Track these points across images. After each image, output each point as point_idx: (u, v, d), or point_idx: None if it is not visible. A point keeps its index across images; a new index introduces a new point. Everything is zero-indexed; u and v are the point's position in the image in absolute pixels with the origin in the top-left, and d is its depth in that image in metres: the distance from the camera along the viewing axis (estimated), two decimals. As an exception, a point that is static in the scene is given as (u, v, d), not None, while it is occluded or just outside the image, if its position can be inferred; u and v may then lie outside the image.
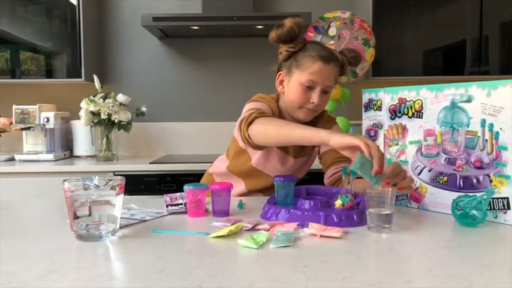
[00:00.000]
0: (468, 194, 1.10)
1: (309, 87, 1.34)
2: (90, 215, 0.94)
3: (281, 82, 1.41)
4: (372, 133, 1.36)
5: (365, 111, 1.38)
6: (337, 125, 1.50)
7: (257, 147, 1.29)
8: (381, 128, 1.33)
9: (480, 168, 1.12)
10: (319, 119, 1.47)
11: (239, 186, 1.49)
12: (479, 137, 1.12)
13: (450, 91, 1.17)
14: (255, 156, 1.43)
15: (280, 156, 1.43)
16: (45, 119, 2.62)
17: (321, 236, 0.96)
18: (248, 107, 1.37)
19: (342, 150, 1.07)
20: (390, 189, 1.02)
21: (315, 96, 1.34)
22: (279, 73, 1.42)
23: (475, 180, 1.13)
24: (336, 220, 1.05)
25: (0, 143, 2.73)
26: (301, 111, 1.38)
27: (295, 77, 1.35)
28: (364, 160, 1.04)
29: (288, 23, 1.31)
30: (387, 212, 1.00)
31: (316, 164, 1.55)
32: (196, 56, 2.97)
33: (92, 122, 2.51)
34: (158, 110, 2.94)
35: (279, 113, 1.41)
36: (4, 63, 2.62)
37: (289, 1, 2.93)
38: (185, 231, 1.03)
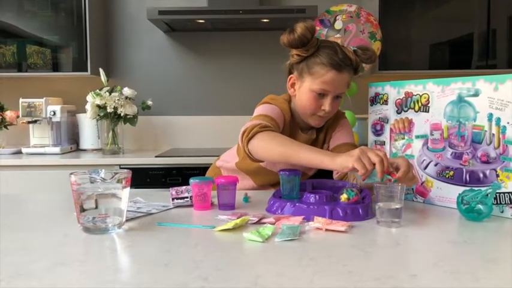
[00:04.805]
0: (473, 188, 1.10)
1: (321, 95, 1.31)
2: (96, 208, 0.95)
3: (292, 85, 1.38)
4: (378, 127, 1.36)
5: (371, 105, 1.37)
6: (346, 120, 1.48)
7: (257, 160, 1.27)
8: (387, 122, 1.33)
9: (487, 162, 1.11)
10: None
11: (248, 182, 1.49)
12: (486, 131, 1.11)
13: (457, 85, 1.17)
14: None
15: None
16: (52, 113, 2.63)
17: (326, 229, 0.96)
18: (258, 111, 1.34)
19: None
20: (399, 184, 1.02)
21: (326, 104, 1.30)
22: (290, 76, 1.38)
23: (481, 175, 1.12)
24: (341, 214, 1.05)
25: (7, 136, 2.74)
26: (313, 118, 1.35)
27: (307, 83, 1.31)
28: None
29: (299, 29, 1.26)
30: (397, 207, 1.00)
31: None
32: (201, 50, 2.97)
33: (98, 115, 2.52)
34: (164, 104, 2.95)
35: (290, 115, 1.38)
36: (11, 57, 2.63)
37: (295, -6, 2.92)
38: (191, 224, 1.03)
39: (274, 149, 1.18)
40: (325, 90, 1.30)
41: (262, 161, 1.32)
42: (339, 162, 1.05)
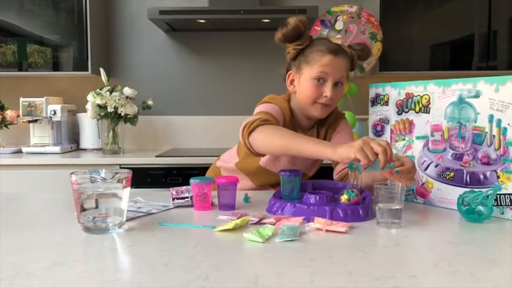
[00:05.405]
0: (474, 189, 1.10)
1: (321, 81, 1.31)
2: (97, 207, 0.95)
3: (292, 82, 1.39)
4: (379, 128, 1.36)
5: (372, 106, 1.37)
6: (345, 121, 1.48)
7: (258, 154, 1.28)
8: (388, 123, 1.33)
9: (487, 164, 1.11)
10: (329, 114, 1.45)
11: (247, 182, 1.49)
12: (486, 132, 1.11)
13: (458, 86, 1.17)
14: (264, 156, 1.41)
15: (290, 157, 1.42)
16: (52, 112, 2.63)
17: (327, 230, 0.96)
18: (258, 110, 1.35)
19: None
20: (400, 184, 1.03)
21: (327, 90, 1.31)
22: (289, 73, 1.39)
23: (482, 176, 1.12)
24: (341, 215, 1.05)
25: (7, 136, 2.74)
26: (315, 107, 1.35)
27: (306, 73, 1.33)
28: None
29: (292, 21, 1.29)
30: (397, 207, 1.00)
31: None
32: (202, 50, 2.97)
33: (99, 115, 2.52)
34: (164, 104, 2.95)
35: (290, 114, 1.39)
36: (11, 56, 2.63)
37: (296, -5, 2.92)
38: (191, 224, 1.03)
39: (275, 141, 1.19)
40: (324, 74, 1.30)
41: (263, 155, 1.32)
42: (340, 153, 1.05)
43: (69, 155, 2.54)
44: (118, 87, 2.57)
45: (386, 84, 1.33)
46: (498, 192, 1.08)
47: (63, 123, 2.69)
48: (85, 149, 2.80)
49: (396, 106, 1.30)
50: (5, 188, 2.32)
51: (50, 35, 2.63)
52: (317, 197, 1.13)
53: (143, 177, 2.37)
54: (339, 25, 2.43)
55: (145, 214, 1.12)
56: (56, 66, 2.65)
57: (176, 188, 1.22)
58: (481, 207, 1.05)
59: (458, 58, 2.66)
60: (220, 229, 0.96)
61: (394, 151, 1.30)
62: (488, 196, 1.05)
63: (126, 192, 0.97)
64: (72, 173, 0.96)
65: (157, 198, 1.29)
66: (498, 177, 1.09)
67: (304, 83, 1.34)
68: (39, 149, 2.59)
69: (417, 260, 0.82)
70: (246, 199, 1.27)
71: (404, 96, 1.28)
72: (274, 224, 1.00)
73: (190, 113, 2.98)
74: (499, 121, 1.09)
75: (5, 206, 1.23)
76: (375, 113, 1.36)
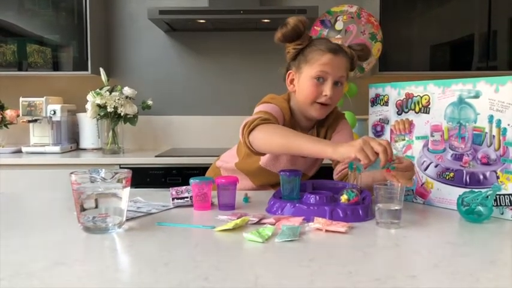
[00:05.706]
0: (473, 190, 1.10)
1: (320, 80, 1.31)
2: (96, 207, 0.95)
3: (291, 81, 1.39)
4: (379, 128, 1.36)
5: (372, 106, 1.37)
6: (345, 121, 1.48)
7: (258, 153, 1.28)
8: (388, 123, 1.33)
9: (487, 164, 1.11)
10: (329, 114, 1.45)
11: (247, 182, 1.49)
12: (486, 133, 1.11)
13: (458, 87, 1.17)
14: (264, 156, 1.41)
15: (290, 157, 1.42)
16: (52, 112, 2.63)
17: (327, 230, 0.96)
18: (258, 109, 1.35)
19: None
20: (399, 184, 1.02)
21: (327, 89, 1.31)
22: (289, 72, 1.39)
23: (481, 176, 1.12)
24: (341, 215, 1.05)
25: (7, 135, 2.74)
26: (314, 107, 1.34)
27: (305, 72, 1.33)
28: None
29: (292, 20, 1.30)
30: (396, 208, 1.00)
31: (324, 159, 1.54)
32: (202, 50, 2.97)
33: (98, 114, 2.52)
34: (164, 104, 2.95)
35: (290, 114, 1.39)
36: (11, 56, 2.62)
37: (296, -5, 2.92)
38: (191, 224, 1.03)
39: (275, 140, 1.19)
40: (324, 73, 1.31)
41: (263, 154, 1.32)
42: (341, 152, 1.04)
43: (69, 155, 2.54)
44: (118, 87, 2.57)
45: (386, 84, 1.33)
46: (498, 193, 1.08)
47: (63, 123, 2.69)
48: (85, 149, 2.80)
49: (396, 106, 1.31)
50: (5, 187, 2.32)
51: (50, 35, 2.63)
52: (317, 197, 1.13)
53: (143, 177, 2.37)
54: (338, 25, 2.43)
55: (145, 214, 1.12)
56: (56, 66, 2.65)
57: (176, 188, 1.22)
58: (480, 208, 1.05)
59: (458, 58, 2.66)
60: (220, 229, 0.96)
61: (393, 151, 1.31)
62: (487, 196, 1.05)
63: (125, 192, 0.97)
64: (71, 173, 0.96)
65: (157, 198, 1.29)
66: (498, 177, 1.09)
67: (304, 82, 1.34)
68: (39, 148, 2.59)
69: (417, 260, 0.82)
70: (246, 199, 1.27)
71: (404, 97, 1.28)
72: (274, 224, 1.00)
73: (190, 113, 2.98)
74: (499, 121, 1.09)
75: (5, 205, 1.23)
76: (375, 113, 1.36)
